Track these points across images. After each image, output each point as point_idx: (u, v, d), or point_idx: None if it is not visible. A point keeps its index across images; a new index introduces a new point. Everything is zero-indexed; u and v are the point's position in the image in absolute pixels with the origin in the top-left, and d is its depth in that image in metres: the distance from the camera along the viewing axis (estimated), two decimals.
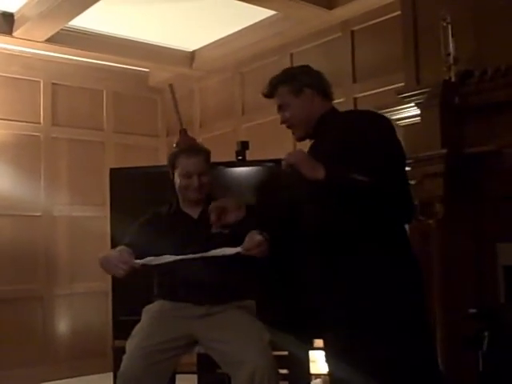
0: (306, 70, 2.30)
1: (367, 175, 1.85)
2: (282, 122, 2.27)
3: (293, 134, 2.29)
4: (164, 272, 2.67)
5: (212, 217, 2.30)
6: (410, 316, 1.87)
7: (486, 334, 1.71)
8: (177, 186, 2.72)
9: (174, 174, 2.73)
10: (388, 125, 2.08)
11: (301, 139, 2.28)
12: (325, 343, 2.14)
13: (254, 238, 2.40)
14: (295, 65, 2.34)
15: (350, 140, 1.98)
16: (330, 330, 2.03)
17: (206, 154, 2.75)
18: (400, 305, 1.86)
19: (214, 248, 2.58)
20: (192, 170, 2.67)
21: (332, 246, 2.01)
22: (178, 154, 2.72)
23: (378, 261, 1.91)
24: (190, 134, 3.28)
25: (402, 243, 2.01)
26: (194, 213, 2.74)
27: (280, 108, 2.24)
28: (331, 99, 2.28)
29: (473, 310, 1.74)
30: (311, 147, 2.25)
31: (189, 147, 2.80)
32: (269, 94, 2.26)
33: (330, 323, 2.03)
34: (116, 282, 3.39)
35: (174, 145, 2.94)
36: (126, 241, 2.70)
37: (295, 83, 2.19)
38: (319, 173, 1.88)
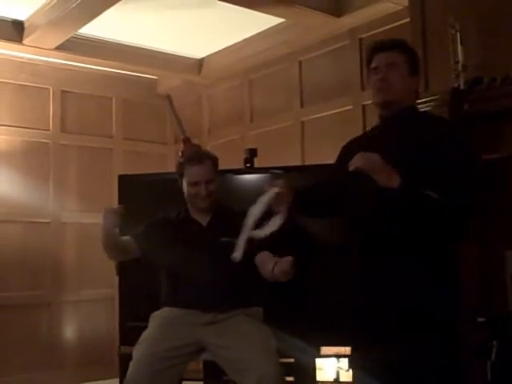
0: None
1: (447, 191, 1.82)
2: (382, 79, 2.11)
3: (382, 93, 2.13)
4: (171, 278, 2.68)
5: None
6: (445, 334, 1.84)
7: (495, 342, 1.69)
8: (185, 194, 2.73)
9: (182, 182, 2.74)
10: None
11: (385, 104, 2.14)
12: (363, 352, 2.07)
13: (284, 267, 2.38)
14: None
15: (443, 150, 1.93)
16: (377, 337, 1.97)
17: (213, 160, 2.75)
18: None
19: (223, 256, 2.59)
20: (198, 178, 2.67)
21: (386, 254, 1.97)
22: (184, 164, 2.74)
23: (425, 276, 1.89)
24: (194, 141, 3.29)
25: (452, 260, 1.99)
26: (204, 220, 2.74)
27: (389, 65, 2.12)
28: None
29: (481, 319, 1.73)
30: (381, 128, 2.18)
31: (194, 155, 2.81)
32: (386, 46, 2.16)
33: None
34: (123, 288, 3.40)
35: (180, 154, 2.95)
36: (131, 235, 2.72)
37: (416, 62, 2.16)
38: (394, 181, 1.84)
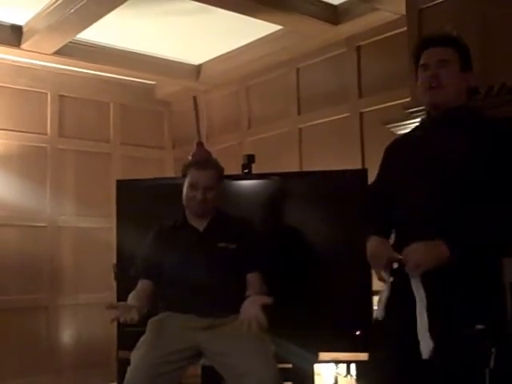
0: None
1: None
2: (433, 76, 1.96)
3: (432, 92, 1.98)
4: (168, 284, 2.68)
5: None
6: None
7: (493, 350, 1.70)
8: (183, 195, 2.74)
9: (184, 184, 2.76)
10: None
11: (435, 104, 2.00)
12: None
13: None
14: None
15: (500, 159, 1.84)
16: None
17: (218, 170, 2.77)
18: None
19: (219, 261, 2.61)
20: (199, 182, 2.69)
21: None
22: (190, 166, 2.75)
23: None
24: (192, 148, 3.30)
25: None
26: (200, 225, 2.75)
27: (441, 62, 1.97)
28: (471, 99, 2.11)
29: (479, 327, 1.73)
30: (428, 130, 2.06)
31: (201, 160, 2.82)
32: (438, 41, 2.02)
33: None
34: (121, 292, 3.41)
35: (190, 156, 2.96)
36: (142, 265, 2.74)
37: (468, 58, 2.01)
38: (443, 256, 1.77)
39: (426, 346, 1.79)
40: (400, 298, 1.92)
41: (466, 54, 2.02)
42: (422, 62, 2.01)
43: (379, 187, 2.16)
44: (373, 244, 1.96)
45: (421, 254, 1.81)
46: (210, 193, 2.70)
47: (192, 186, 2.70)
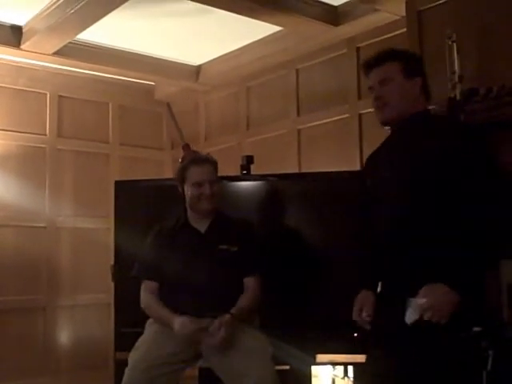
0: (421, 60, 2.21)
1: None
2: (377, 98, 2.08)
3: (379, 112, 2.09)
4: (169, 285, 2.68)
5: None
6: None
7: (491, 352, 1.70)
8: (188, 197, 2.71)
9: (183, 187, 2.73)
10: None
11: (385, 123, 2.11)
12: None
13: None
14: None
15: (461, 161, 1.89)
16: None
17: (214, 163, 2.77)
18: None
19: (220, 263, 2.60)
20: (203, 178, 2.67)
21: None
22: (188, 165, 2.73)
23: None
24: (192, 147, 3.31)
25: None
26: (202, 227, 2.74)
27: (381, 82, 2.06)
28: (429, 101, 2.15)
29: (477, 329, 1.73)
30: (390, 141, 2.14)
31: (196, 158, 2.81)
32: (374, 63, 2.09)
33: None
34: (119, 293, 3.40)
35: (180, 160, 2.95)
36: (145, 266, 2.73)
37: (411, 66, 2.06)
38: (455, 302, 1.79)
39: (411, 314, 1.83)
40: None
41: (409, 62, 2.08)
42: (368, 85, 2.13)
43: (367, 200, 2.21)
44: (358, 297, 2.13)
45: (443, 310, 1.80)
46: (215, 186, 2.70)
47: (197, 184, 2.67)
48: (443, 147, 1.92)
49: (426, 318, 1.80)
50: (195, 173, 2.69)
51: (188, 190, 2.70)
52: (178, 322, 2.50)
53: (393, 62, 2.06)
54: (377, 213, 2.07)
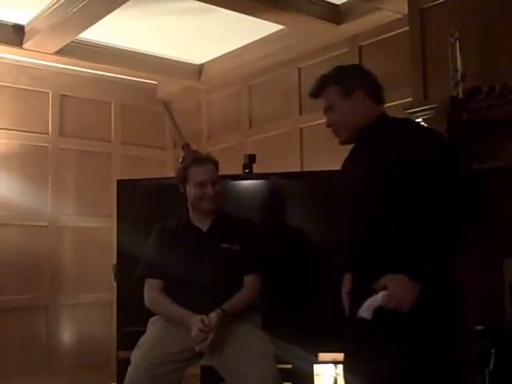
0: (356, 69, 2.21)
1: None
2: (328, 125, 2.14)
3: (335, 136, 2.16)
4: (171, 283, 2.67)
5: None
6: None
7: (493, 351, 1.69)
8: (190, 197, 2.70)
9: (185, 187, 2.73)
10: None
11: (344, 143, 2.17)
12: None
13: None
14: (331, 70, 2.13)
15: (413, 164, 1.90)
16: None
17: (215, 163, 2.76)
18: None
19: (222, 262, 2.60)
20: (206, 177, 2.67)
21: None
22: (189, 165, 2.72)
23: None
24: (193, 147, 3.30)
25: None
26: (204, 226, 2.73)
27: (327, 109, 2.11)
28: (382, 103, 2.13)
29: (479, 327, 1.73)
30: (353, 153, 2.19)
31: (198, 157, 2.80)
32: (315, 94, 2.13)
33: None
34: (121, 292, 3.40)
35: (181, 159, 2.94)
36: (149, 265, 2.72)
37: (345, 84, 2.06)
38: (416, 290, 1.81)
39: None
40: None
41: (344, 79, 2.09)
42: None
43: None
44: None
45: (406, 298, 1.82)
46: (217, 185, 2.69)
47: (199, 184, 2.67)
48: (399, 149, 1.94)
49: (386, 306, 1.82)
50: (197, 173, 2.68)
51: (190, 190, 2.69)
52: (197, 321, 2.50)
53: (329, 87, 2.09)
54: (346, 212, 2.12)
